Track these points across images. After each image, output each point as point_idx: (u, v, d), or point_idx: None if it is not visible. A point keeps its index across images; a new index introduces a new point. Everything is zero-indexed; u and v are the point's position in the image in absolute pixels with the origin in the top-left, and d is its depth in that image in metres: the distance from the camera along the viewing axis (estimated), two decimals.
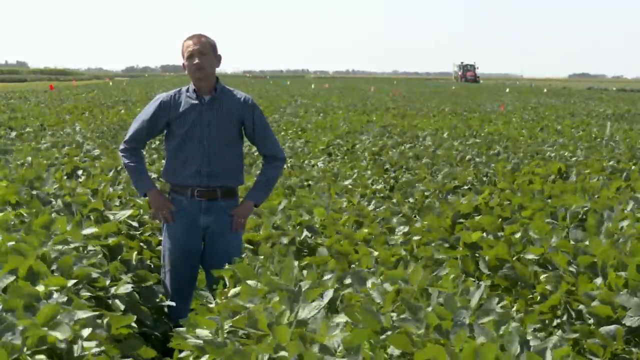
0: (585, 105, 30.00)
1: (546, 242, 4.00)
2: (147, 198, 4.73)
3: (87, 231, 4.15)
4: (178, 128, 4.46)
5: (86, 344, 2.70)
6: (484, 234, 4.55)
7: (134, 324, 3.43)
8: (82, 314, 2.81)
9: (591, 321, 3.08)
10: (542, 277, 3.58)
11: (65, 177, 6.78)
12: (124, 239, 4.78)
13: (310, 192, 7.54)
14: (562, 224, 4.79)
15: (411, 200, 6.74)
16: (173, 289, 4.53)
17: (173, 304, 4.27)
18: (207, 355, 2.62)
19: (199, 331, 2.83)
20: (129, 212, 5.28)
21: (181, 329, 3.01)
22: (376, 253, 4.26)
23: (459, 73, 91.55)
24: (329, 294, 2.88)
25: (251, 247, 5.05)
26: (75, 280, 3.33)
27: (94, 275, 3.51)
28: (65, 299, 3.01)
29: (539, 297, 3.49)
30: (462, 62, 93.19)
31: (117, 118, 15.89)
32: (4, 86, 46.06)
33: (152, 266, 4.72)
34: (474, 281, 3.91)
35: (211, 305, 3.14)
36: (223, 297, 3.25)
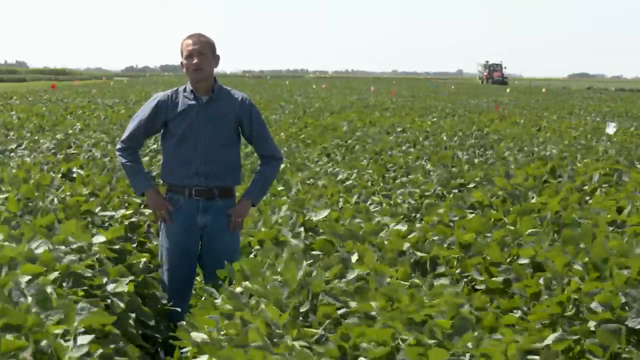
0: (586, 105, 30.01)
1: (538, 244, 4.01)
2: (144, 197, 4.76)
3: (96, 239, 4.16)
4: (175, 128, 4.48)
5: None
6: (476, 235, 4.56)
7: (131, 322, 3.44)
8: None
9: (591, 323, 3.09)
10: (541, 279, 3.59)
11: (62, 178, 6.79)
12: (128, 243, 4.75)
13: (308, 192, 7.56)
14: (547, 229, 4.81)
15: (410, 201, 6.75)
16: (171, 288, 4.55)
17: (178, 309, 4.30)
18: (206, 355, 2.65)
19: (194, 334, 2.85)
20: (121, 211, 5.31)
21: (183, 323, 3.03)
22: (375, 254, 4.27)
23: (485, 73, 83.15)
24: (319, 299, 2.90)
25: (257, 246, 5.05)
26: (57, 273, 3.33)
27: (84, 272, 3.50)
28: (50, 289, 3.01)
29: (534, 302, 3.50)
30: (487, 61, 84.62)
31: (116, 118, 15.89)
32: (3, 86, 46.02)
33: (153, 267, 4.72)
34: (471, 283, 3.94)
35: (217, 301, 3.15)
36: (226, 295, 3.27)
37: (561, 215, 5.14)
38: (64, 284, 3.32)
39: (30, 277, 3.18)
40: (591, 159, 9.27)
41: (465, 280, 3.97)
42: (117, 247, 4.37)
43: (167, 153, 4.59)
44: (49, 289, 2.87)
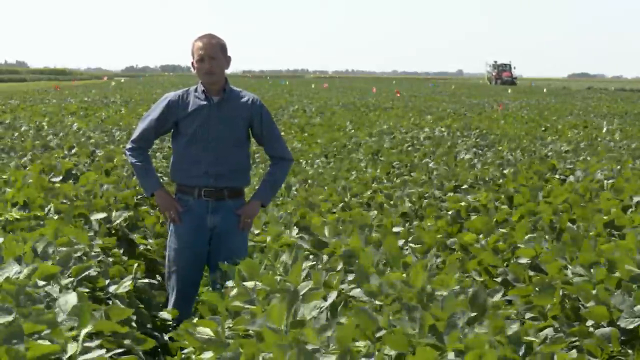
0: (586, 105, 30.00)
1: (538, 245, 4.03)
2: (154, 198, 4.75)
3: (95, 242, 4.18)
4: (186, 128, 4.48)
5: (86, 344, 2.71)
6: (480, 235, 4.57)
7: (134, 324, 3.45)
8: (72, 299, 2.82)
9: (589, 323, 3.10)
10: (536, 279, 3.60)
11: (62, 179, 6.79)
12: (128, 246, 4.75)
13: (308, 192, 7.57)
14: (541, 232, 4.81)
15: (408, 202, 6.75)
16: (178, 290, 4.53)
17: (176, 312, 4.28)
18: (209, 352, 2.65)
19: (200, 329, 2.86)
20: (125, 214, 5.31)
21: (184, 325, 3.04)
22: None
23: (493, 74, 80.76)
24: (332, 296, 2.90)
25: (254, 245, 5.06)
26: (71, 279, 3.35)
27: (92, 273, 3.53)
28: (57, 288, 3.03)
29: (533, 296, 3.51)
30: (495, 62, 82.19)
31: (117, 117, 15.90)
32: (3, 86, 46.00)
33: (157, 282, 4.72)
34: (472, 281, 3.94)
35: (214, 305, 3.16)
36: (226, 296, 3.28)
37: (559, 218, 5.14)
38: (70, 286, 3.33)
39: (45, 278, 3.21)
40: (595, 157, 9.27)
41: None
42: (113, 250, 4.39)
43: (177, 153, 4.58)
44: (74, 296, 2.87)
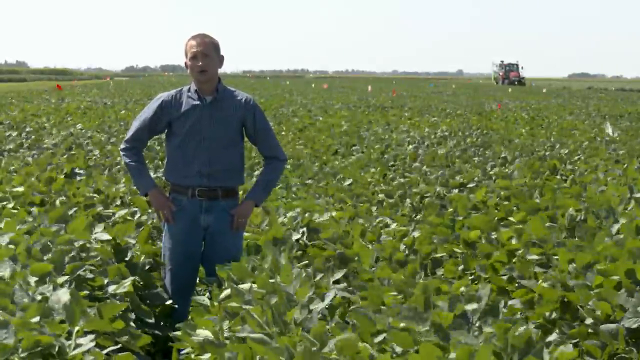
0: (586, 105, 29.98)
1: (545, 243, 4.01)
2: (148, 197, 4.75)
3: (98, 235, 4.17)
4: (179, 128, 4.48)
5: (80, 340, 2.70)
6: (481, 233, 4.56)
7: (132, 324, 3.44)
8: (65, 296, 2.80)
9: (589, 321, 3.09)
10: (542, 278, 3.59)
11: (65, 177, 6.79)
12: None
13: (309, 192, 7.57)
14: (561, 225, 4.81)
15: (409, 201, 6.75)
16: (173, 288, 4.54)
17: (173, 302, 4.30)
18: (208, 354, 2.64)
19: (199, 331, 2.85)
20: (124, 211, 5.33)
21: (182, 324, 3.03)
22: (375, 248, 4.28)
23: (501, 74, 79.97)
24: (329, 296, 2.89)
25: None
26: (66, 277, 3.34)
27: (86, 275, 3.52)
28: (50, 287, 3.03)
29: (537, 297, 3.50)
30: (502, 61, 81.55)
31: (117, 117, 15.90)
32: (4, 86, 45.98)
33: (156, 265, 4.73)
34: (475, 282, 3.94)
35: (207, 304, 3.16)
36: (217, 299, 3.27)
37: (572, 215, 5.13)
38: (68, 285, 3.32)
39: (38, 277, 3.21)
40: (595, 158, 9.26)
41: (470, 277, 3.97)
42: (119, 244, 4.38)
43: (171, 153, 4.58)
44: (66, 295, 2.85)
